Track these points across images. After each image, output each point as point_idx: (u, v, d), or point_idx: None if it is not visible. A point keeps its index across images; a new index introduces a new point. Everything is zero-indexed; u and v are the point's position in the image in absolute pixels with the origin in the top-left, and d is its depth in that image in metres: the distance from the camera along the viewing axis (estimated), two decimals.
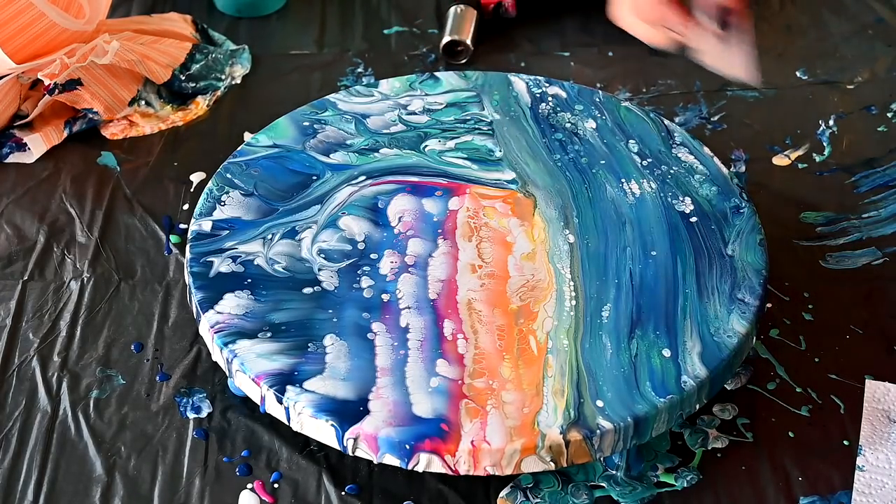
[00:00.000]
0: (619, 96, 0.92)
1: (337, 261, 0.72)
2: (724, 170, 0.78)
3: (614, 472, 0.67)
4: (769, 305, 0.76)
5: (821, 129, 0.90)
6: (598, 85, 0.94)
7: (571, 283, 0.70)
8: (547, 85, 0.85)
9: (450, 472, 0.63)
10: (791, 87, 0.94)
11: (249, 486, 0.66)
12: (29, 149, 0.87)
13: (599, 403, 0.64)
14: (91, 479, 0.66)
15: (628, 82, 0.95)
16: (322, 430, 0.63)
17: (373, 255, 0.72)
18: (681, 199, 0.76)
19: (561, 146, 0.80)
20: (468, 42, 0.96)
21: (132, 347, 0.74)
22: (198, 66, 0.93)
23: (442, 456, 0.62)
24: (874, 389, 0.71)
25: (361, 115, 0.82)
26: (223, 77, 0.94)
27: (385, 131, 0.81)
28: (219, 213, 0.74)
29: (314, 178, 0.77)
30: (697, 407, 0.67)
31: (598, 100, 0.83)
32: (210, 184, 0.76)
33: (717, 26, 0.71)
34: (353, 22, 1.02)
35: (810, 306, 0.76)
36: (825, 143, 0.89)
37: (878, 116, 0.92)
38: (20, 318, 0.75)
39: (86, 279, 0.78)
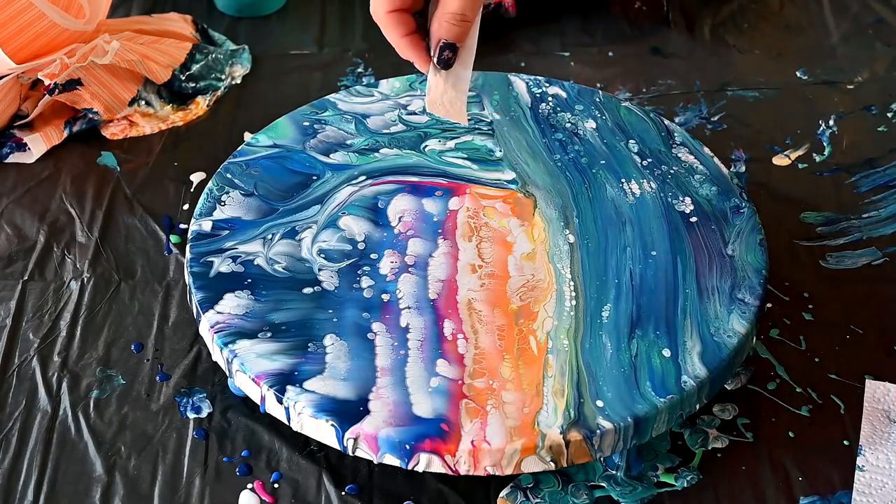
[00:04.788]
0: (619, 96, 0.92)
1: (337, 261, 0.72)
2: (724, 170, 0.78)
3: (614, 472, 0.67)
4: (769, 305, 0.76)
5: (821, 129, 0.90)
6: (598, 85, 0.94)
7: (571, 283, 0.70)
8: (547, 85, 0.85)
9: (450, 472, 0.63)
10: (791, 87, 0.95)
11: (249, 486, 0.66)
12: (29, 149, 0.87)
13: (599, 403, 0.64)
14: (91, 479, 0.66)
15: (628, 82, 0.95)
16: (322, 430, 0.63)
17: (373, 255, 0.72)
18: (681, 199, 0.76)
19: (561, 146, 0.80)
20: None
21: (132, 347, 0.74)
22: (198, 66, 0.93)
23: (442, 456, 0.62)
24: (874, 389, 0.71)
25: (361, 115, 0.82)
26: (223, 77, 0.95)
27: (385, 131, 0.81)
28: (219, 213, 0.74)
29: (314, 178, 0.77)
30: (697, 407, 0.67)
31: (598, 100, 0.83)
32: (210, 184, 0.76)
33: (439, 64, 0.68)
34: (353, 22, 1.02)
35: (810, 306, 0.76)
36: (825, 143, 0.89)
37: (878, 116, 0.92)
38: (20, 318, 0.76)
39: (86, 279, 0.78)
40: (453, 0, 0.66)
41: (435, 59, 0.68)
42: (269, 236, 0.73)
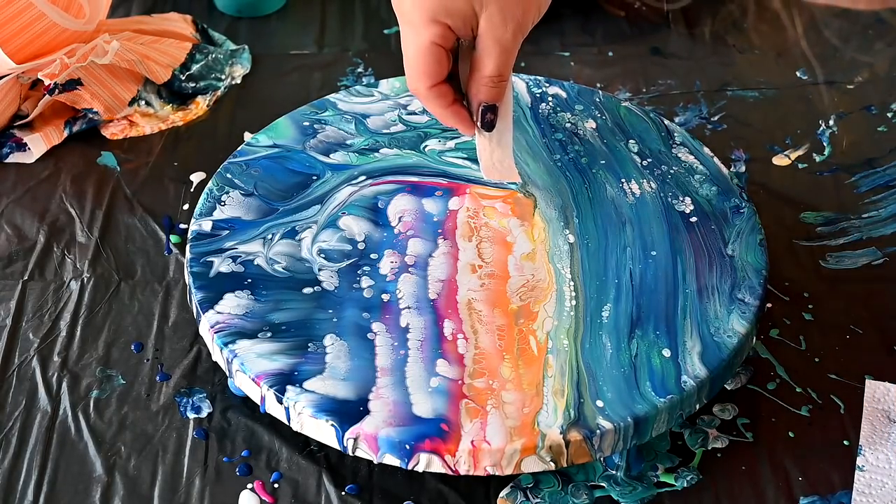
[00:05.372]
0: (619, 96, 0.92)
1: (337, 261, 0.72)
2: (724, 170, 0.78)
3: (614, 472, 0.67)
4: (769, 305, 0.76)
5: (821, 129, 0.90)
6: (598, 85, 0.94)
7: (571, 283, 0.70)
8: (547, 85, 0.85)
9: (450, 472, 0.63)
10: (791, 87, 0.95)
11: (249, 486, 0.66)
12: (29, 149, 0.87)
13: (599, 403, 0.64)
14: (91, 479, 0.66)
15: (628, 82, 0.95)
16: (322, 430, 0.63)
17: (373, 255, 0.72)
18: (681, 199, 0.76)
19: (561, 146, 0.80)
20: None
21: (132, 347, 0.74)
22: (198, 66, 0.93)
23: (442, 456, 0.62)
24: (874, 389, 0.71)
25: (361, 115, 0.82)
26: (223, 77, 0.95)
27: (385, 131, 0.81)
28: (219, 213, 0.74)
29: (314, 178, 0.77)
30: (697, 407, 0.67)
31: (598, 100, 0.83)
32: (210, 184, 0.77)
33: (483, 127, 0.69)
34: (353, 22, 1.02)
35: (810, 306, 0.76)
36: (825, 143, 0.89)
37: (878, 116, 0.92)
38: (20, 318, 0.75)
39: (86, 279, 0.78)
40: (489, 62, 0.65)
41: (479, 123, 0.69)
42: (269, 236, 0.73)
